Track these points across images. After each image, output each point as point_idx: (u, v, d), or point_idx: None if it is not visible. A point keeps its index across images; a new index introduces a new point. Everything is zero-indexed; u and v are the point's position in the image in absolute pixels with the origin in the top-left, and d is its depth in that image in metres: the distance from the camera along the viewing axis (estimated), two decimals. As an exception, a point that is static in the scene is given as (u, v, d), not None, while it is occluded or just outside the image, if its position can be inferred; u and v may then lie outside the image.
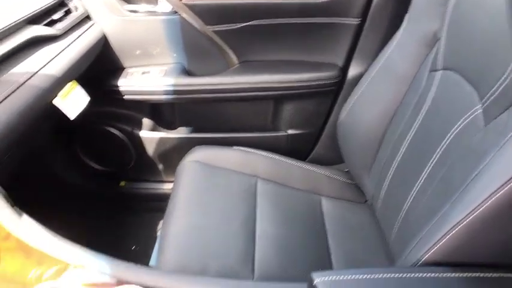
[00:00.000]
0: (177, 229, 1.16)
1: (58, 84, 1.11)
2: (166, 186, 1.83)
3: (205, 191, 1.30)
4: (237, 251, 1.11)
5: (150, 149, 1.70)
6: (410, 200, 1.03)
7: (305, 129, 1.61)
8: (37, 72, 1.04)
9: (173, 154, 1.67)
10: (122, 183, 1.86)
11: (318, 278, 0.70)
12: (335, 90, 1.51)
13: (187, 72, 1.53)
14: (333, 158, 1.59)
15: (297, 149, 1.62)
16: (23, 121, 0.95)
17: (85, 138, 1.73)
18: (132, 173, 1.83)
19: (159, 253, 1.10)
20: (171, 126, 1.67)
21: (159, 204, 1.75)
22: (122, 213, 1.79)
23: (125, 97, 1.51)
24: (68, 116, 1.17)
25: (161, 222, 1.22)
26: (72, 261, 0.79)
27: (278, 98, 1.53)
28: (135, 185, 1.85)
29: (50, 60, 1.09)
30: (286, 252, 1.16)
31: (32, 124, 1.00)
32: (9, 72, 0.99)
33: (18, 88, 0.97)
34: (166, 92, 1.49)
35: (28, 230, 0.81)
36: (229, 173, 1.37)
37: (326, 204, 1.35)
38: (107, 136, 1.66)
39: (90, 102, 1.32)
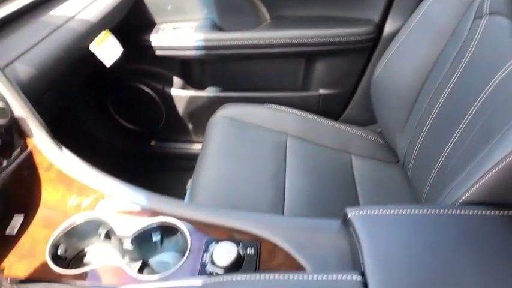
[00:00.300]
0: (208, 179, 1.18)
1: (93, 30, 1.12)
2: (196, 147, 1.85)
3: (235, 145, 1.30)
4: (267, 201, 1.12)
5: (180, 108, 1.71)
6: (446, 154, 1.00)
7: (337, 88, 1.58)
8: (74, 16, 1.05)
9: (203, 113, 1.68)
10: (153, 143, 1.90)
11: (352, 212, 0.69)
12: (370, 47, 1.46)
13: (218, 28, 1.52)
14: (365, 119, 1.56)
15: (328, 110, 1.59)
16: (61, 62, 0.97)
17: (117, 96, 1.75)
18: (163, 132, 1.85)
19: (190, 200, 1.12)
20: (201, 85, 1.68)
21: (189, 163, 1.77)
22: (153, 172, 1.82)
23: (157, 53, 1.52)
24: (104, 62, 1.19)
25: (191, 180, 1.23)
26: (108, 191, 0.81)
27: (310, 55, 1.50)
28: (165, 145, 1.88)
29: (86, 6, 1.10)
30: (315, 205, 1.15)
31: (68, 67, 1.02)
32: (48, 14, 1.00)
33: (57, 29, 0.98)
34: (197, 48, 1.48)
35: (68, 161, 0.83)
36: (259, 130, 1.36)
37: (356, 163, 1.33)
38: (138, 93, 1.68)
39: (122, 57, 1.33)
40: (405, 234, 0.64)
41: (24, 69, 0.88)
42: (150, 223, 0.78)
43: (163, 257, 0.84)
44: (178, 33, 1.48)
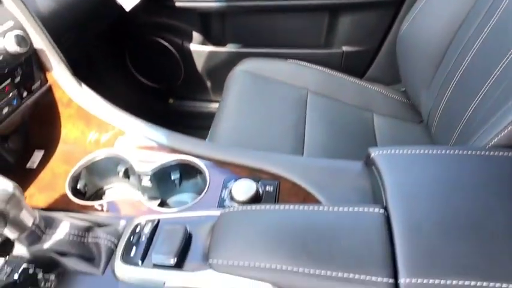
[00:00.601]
0: (226, 128, 1.16)
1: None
2: (213, 105, 1.83)
3: (254, 98, 1.28)
4: (286, 152, 1.10)
5: (199, 64, 1.69)
6: (472, 110, 0.96)
7: (362, 46, 1.52)
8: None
9: (222, 70, 1.64)
10: (171, 101, 1.88)
11: (376, 152, 0.67)
12: (398, 2, 1.39)
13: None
14: (389, 78, 1.51)
15: (351, 68, 1.54)
16: (82, 4, 0.95)
17: (135, 50, 1.73)
18: (181, 90, 1.84)
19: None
20: (220, 40, 1.64)
21: (207, 122, 1.76)
22: (170, 130, 1.82)
23: (176, 4, 1.48)
24: (124, 6, 1.16)
25: (210, 131, 1.22)
26: (127, 128, 0.81)
27: (334, 9, 1.44)
28: (183, 103, 1.87)
29: None
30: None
31: (89, 8, 1.00)
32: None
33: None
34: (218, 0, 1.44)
35: (87, 97, 0.82)
36: (279, 84, 1.33)
37: (378, 121, 1.30)
38: (156, 48, 1.66)
39: (141, 8, 1.30)
40: (431, 172, 0.61)
41: (45, 2, 0.87)
42: (169, 160, 0.77)
43: (181, 197, 0.84)
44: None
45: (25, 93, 0.74)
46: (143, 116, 0.85)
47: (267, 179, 0.72)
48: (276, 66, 1.39)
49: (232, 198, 0.68)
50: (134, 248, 0.59)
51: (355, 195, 0.67)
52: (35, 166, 0.81)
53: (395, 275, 0.49)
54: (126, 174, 0.82)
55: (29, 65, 0.75)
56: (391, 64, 1.41)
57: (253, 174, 0.73)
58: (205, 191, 0.72)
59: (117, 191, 0.85)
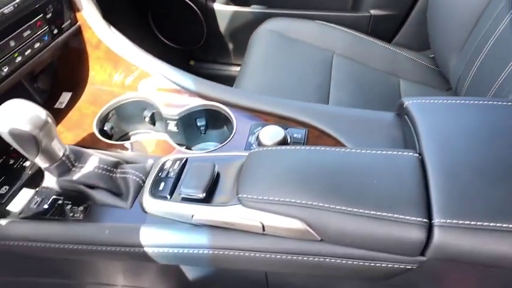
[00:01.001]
0: (250, 85, 1.15)
1: None
2: (235, 69, 1.81)
3: (279, 58, 1.26)
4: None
5: (222, 25, 1.66)
6: (503, 77, 0.93)
7: (391, 10, 1.47)
8: None
9: (245, 31, 1.61)
10: (191, 62, 1.87)
11: (409, 101, 0.65)
12: (431, -38, 1.33)
13: None
14: (418, 44, 1.46)
15: (379, 32, 1.49)
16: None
17: (158, 9, 1.71)
18: (202, 52, 1.82)
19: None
20: (245, 0, 1.60)
21: (228, 85, 1.75)
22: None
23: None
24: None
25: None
26: (155, 70, 0.80)
27: (364, -31, 1.40)
28: (204, 65, 1.85)
29: None
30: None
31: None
32: None
33: None
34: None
35: (116, 39, 0.82)
36: (305, 45, 1.31)
37: (405, 87, 1.27)
38: (179, 7, 1.63)
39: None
40: (466, 119, 0.59)
41: None
42: (196, 105, 0.77)
43: (206, 146, 0.84)
44: None
45: (56, 31, 0.74)
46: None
47: (295, 126, 0.71)
48: (301, 27, 1.36)
49: (259, 143, 0.68)
50: (162, 183, 0.59)
51: (386, 144, 0.66)
52: (63, 106, 0.82)
53: (429, 215, 0.48)
54: (152, 120, 0.82)
55: (60, 2, 0.74)
56: (421, 29, 1.37)
57: (281, 122, 0.72)
58: (232, 135, 0.71)
59: (142, 136, 0.85)
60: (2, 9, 0.62)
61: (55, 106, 0.82)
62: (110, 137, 0.80)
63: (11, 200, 0.64)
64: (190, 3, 1.62)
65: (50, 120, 0.55)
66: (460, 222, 0.46)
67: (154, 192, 0.59)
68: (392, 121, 0.69)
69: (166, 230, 0.56)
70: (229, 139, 0.71)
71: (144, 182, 0.63)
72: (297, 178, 0.52)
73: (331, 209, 0.49)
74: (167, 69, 0.80)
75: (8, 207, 0.62)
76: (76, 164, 0.62)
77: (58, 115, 0.79)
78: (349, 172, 0.53)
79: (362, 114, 0.72)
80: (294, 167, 0.54)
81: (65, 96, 0.83)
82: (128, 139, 0.86)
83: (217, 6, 1.61)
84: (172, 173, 0.60)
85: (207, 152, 0.69)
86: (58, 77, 0.86)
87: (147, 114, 0.81)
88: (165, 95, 0.79)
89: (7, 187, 0.66)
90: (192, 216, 0.55)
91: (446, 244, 0.47)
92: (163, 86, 0.80)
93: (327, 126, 0.70)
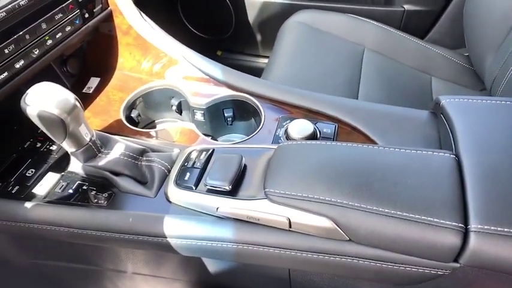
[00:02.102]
0: (278, 75, 1.13)
1: None
2: (262, 60, 1.79)
3: (308, 50, 1.23)
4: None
5: (251, 15, 1.64)
6: None
7: (426, 5, 1.42)
8: None
9: (274, 22, 1.59)
10: (219, 53, 1.86)
11: (446, 99, 0.62)
12: (472, -43, 1.27)
13: None
14: (453, 41, 1.40)
15: (412, 28, 1.44)
16: None
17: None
18: (230, 43, 1.80)
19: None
20: (276, -8, 1.58)
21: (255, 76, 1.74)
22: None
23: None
24: None
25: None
26: (181, 57, 0.79)
27: (400, -38, 1.35)
28: (231, 56, 1.84)
29: None
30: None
31: None
32: None
33: None
34: None
35: (146, 26, 0.81)
36: (335, 38, 1.27)
37: (436, 85, 1.22)
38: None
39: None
40: (507, 121, 0.56)
41: None
42: (223, 95, 0.75)
43: (232, 137, 0.82)
44: None
45: (87, 15, 0.74)
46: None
47: (324, 120, 0.69)
48: (332, 20, 1.32)
49: (288, 137, 0.66)
50: (188, 173, 0.58)
51: (419, 143, 0.63)
52: (91, 91, 0.82)
53: (465, 220, 0.45)
54: (179, 109, 0.81)
55: (91, -14, 0.74)
56: (456, 26, 1.32)
57: (311, 116, 0.70)
58: (260, 127, 0.70)
59: (169, 125, 0.85)
60: (35, -9, 0.62)
61: (83, 91, 0.82)
62: (136, 124, 0.80)
63: (37, 183, 0.64)
64: (221, -7, 1.60)
65: (78, 104, 0.55)
66: (499, 228, 0.44)
67: (180, 183, 0.58)
68: (427, 120, 0.66)
69: (190, 222, 0.55)
70: (256, 131, 0.69)
71: (169, 171, 0.62)
72: (327, 175, 0.50)
73: (362, 208, 0.47)
74: (196, 58, 0.79)
75: (34, 190, 0.63)
76: (102, 150, 0.62)
77: (86, 100, 0.79)
78: (382, 171, 0.50)
79: (395, 111, 0.69)
80: (324, 163, 0.52)
81: (93, 82, 0.83)
82: (154, 127, 0.85)
83: (247, -4, 1.59)
84: (198, 164, 0.59)
85: (233, 144, 0.67)
86: (87, 61, 0.86)
87: (174, 102, 0.80)
88: (193, 84, 0.77)
89: (33, 170, 0.66)
90: (217, 208, 0.54)
91: (482, 251, 0.44)
92: (191, 74, 0.78)
93: (358, 122, 0.67)
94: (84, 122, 0.58)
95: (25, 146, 0.70)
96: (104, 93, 0.80)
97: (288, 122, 0.69)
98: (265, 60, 1.80)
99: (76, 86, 0.83)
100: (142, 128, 0.83)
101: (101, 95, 0.80)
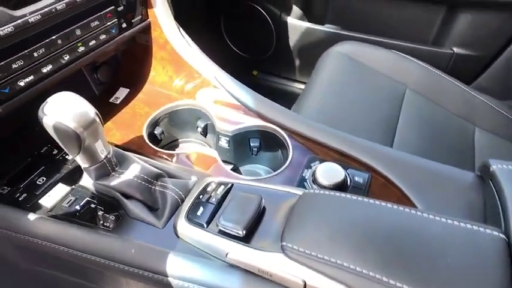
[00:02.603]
0: (312, 108, 1.08)
1: None
2: (298, 86, 1.75)
3: (347, 82, 1.18)
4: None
5: (292, 39, 1.61)
6: None
7: (477, 50, 1.34)
8: None
9: (315, 49, 1.55)
10: (255, 72, 1.83)
11: (497, 165, 0.55)
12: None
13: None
14: (502, 91, 1.32)
15: (460, 72, 1.37)
16: None
17: (231, 14, 1.69)
18: (267, 64, 1.78)
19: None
20: (320, 18, 1.54)
21: (289, 102, 1.69)
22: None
23: (283, -28, 1.41)
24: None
25: (294, 106, 1.14)
26: (215, 80, 0.76)
27: (454, 4, 1.28)
28: (267, 77, 1.80)
29: None
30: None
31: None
32: None
33: None
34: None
35: (183, 42, 0.78)
36: (377, 74, 1.22)
37: (480, 137, 1.14)
38: (252, 15, 1.60)
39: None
40: None
41: None
42: (252, 124, 0.71)
43: (255, 168, 0.78)
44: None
45: (124, 25, 0.72)
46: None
47: (357, 168, 0.63)
48: (376, 54, 1.27)
49: (314, 181, 0.60)
50: (201, 208, 0.54)
51: (461, 210, 0.56)
52: (117, 102, 0.79)
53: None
54: (205, 131, 0.78)
55: (133, -4, 0.72)
56: (507, 75, 1.24)
57: (342, 159, 0.65)
58: (285, 165, 0.65)
59: (192, 146, 0.81)
60: (74, -3, 0.60)
61: (110, 100, 0.80)
62: (158, 142, 0.77)
63: (45, 193, 0.61)
64: (264, 13, 1.59)
65: (97, 119, 0.52)
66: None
67: (191, 217, 0.53)
68: (472, 183, 0.59)
69: (196, 264, 0.50)
70: (281, 169, 0.64)
71: (182, 201, 0.58)
72: (354, 237, 0.45)
73: (390, 285, 0.41)
74: (229, 81, 0.75)
75: (41, 201, 0.60)
76: (116, 169, 0.58)
77: (111, 110, 0.77)
78: (417, 242, 0.44)
79: (436, 168, 0.62)
80: (352, 223, 0.46)
81: (122, 92, 0.81)
82: (177, 146, 0.82)
83: (291, 20, 1.56)
84: (213, 199, 0.54)
85: (255, 180, 0.62)
86: (118, 70, 0.84)
87: (201, 124, 0.77)
88: (222, 109, 0.74)
89: (44, 178, 0.63)
90: (227, 254, 0.49)
91: None
92: (221, 98, 0.75)
93: (393, 175, 0.61)
94: (101, 137, 0.54)
95: (41, 151, 0.68)
96: (130, 105, 0.77)
97: (316, 163, 0.64)
98: (301, 86, 1.76)
99: (104, 94, 0.81)
100: (165, 145, 0.80)
101: (127, 107, 0.77)
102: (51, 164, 0.66)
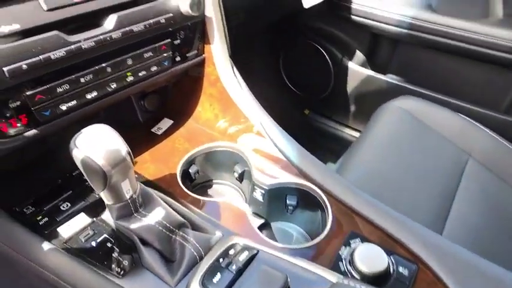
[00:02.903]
0: (362, 166, 1.00)
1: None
2: (350, 132, 1.67)
3: (405, 142, 1.09)
4: (425, 217, 0.90)
5: (351, 85, 1.55)
6: None
7: (556, 126, 1.21)
8: None
9: (373, 98, 1.49)
10: (307, 112, 1.78)
11: None
12: None
13: (432, 9, 1.28)
14: None
15: (532, 147, 1.24)
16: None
17: (290, 51, 1.67)
18: (321, 105, 1.73)
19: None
20: (383, 68, 1.47)
21: (338, 147, 1.63)
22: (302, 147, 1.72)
23: (352, 17, 1.36)
24: (303, 2, 1.08)
25: (340, 161, 1.07)
26: (261, 128, 0.71)
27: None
28: (318, 118, 1.75)
29: None
30: (479, 245, 0.88)
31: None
32: None
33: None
34: (399, 24, 1.28)
35: (235, 82, 0.75)
36: (438, 137, 1.12)
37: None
38: (313, 55, 1.57)
39: (314, 10, 1.20)
40: None
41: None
42: (291, 181, 0.65)
43: (287, 227, 0.71)
44: (387, 2, 1.30)
45: (178, 58, 0.70)
46: (272, 116, 0.75)
47: (403, 255, 0.55)
48: (440, 115, 1.17)
49: (352, 263, 0.53)
50: (219, 274, 0.48)
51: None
52: (159, 133, 0.77)
53: None
54: (241, 177, 0.73)
55: (192, 31, 0.70)
56: None
57: (388, 242, 0.57)
58: (322, 236, 0.58)
59: (225, 190, 0.77)
60: (131, 27, 0.59)
61: (152, 129, 0.78)
62: (191, 180, 0.73)
63: (66, 220, 0.59)
64: (325, 54, 1.55)
65: (128, 159, 0.49)
66: None
67: (206, 283, 0.48)
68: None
69: None
70: (317, 240, 0.57)
71: (201, 259, 0.53)
72: None
73: None
74: (275, 131, 0.71)
75: (59, 229, 0.57)
76: (140, 210, 0.54)
77: (151, 141, 0.74)
78: None
79: (500, 276, 0.53)
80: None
81: (166, 123, 0.78)
82: (210, 187, 0.78)
83: (352, 65, 1.51)
84: (234, 266, 0.49)
85: (284, 249, 0.56)
86: (166, 100, 0.82)
87: (238, 170, 0.72)
88: (262, 159, 0.69)
89: (69, 204, 0.61)
90: (238, 338, 0.43)
91: None
92: (263, 147, 0.70)
93: (446, 273, 0.52)
94: (129, 177, 0.51)
95: (73, 174, 0.66)
96: (171, 138, 0.75)
97: (357, 241, 0.56)
98: (353, 133, 1.68)
99: (147, 122, 0.79)
100: (198, 184, 0.76)
101: (167, 139, 0.75)
102: (79, 190, 0.64)
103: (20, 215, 0.60)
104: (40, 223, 0.58)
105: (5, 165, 0.61)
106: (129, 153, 0.49)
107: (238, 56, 0.81)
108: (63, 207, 0.61)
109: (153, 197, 0.57)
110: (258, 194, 0.67)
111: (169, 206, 0.57)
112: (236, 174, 0.73)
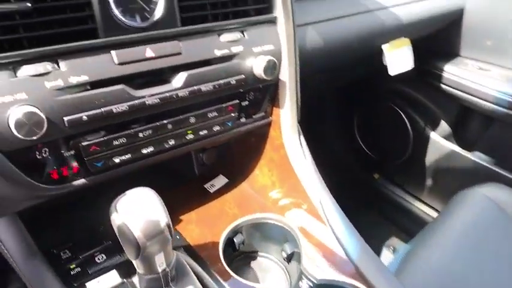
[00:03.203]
0: (434, 262, 0.87)
1: (389, 32, 0.95)
2: (420, 207, 1.52)
3: (489, 240, 0.95)
4: None
5: (430, 156, 1.41)
6: None
7: None
8: (386, 8, 0.90)
9: (455, 177, 1.34)
10: (376, 176, 1.66)
11: None
12: None
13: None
14: None
15: None
16: (350, 45, 0.85)
17: (366, 113, 1.59)
18: (393, 172, 1.60)
19: (399, 271, 0.84)
20: (470, 144, 1.33)
21: (407, 223, 1.49)
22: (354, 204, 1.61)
23: (442, 87, 1.25)
24: (388, 69, 1.01)
25: (409, 244, 0.95)
26: (318, 205, 0.64)
27: None
28: (388, 185, 1.61)
29: (400, 5, 0.94)
30: None
31: (348, 55, 0.89)
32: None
33: (364, 13, 0.85)
34: (496, 101, 1.15)
35: (299, 151, 0.69)
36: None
37: None
38: (392, 119, 1.46)
39: (402, 77, 1.12)
40: None
41: (316, 38, 0.78)
42: (346, 281, 0.57)
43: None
44: (484, 75, 1.18)
45: (243, 119, 0.66)
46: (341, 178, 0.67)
47: None
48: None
49: None
50: None
51: None
52: (211, 190, 0.73)
53: None
54: (289, 258, 0.66)
55: (263, 93, 0.66)
56: None
57: None
58: None
59: (269, 266, 0.70)
60: (200, 86, 0.56)
61: (205, 185, 0.74)
62: (234, 248, 0.67)
63: (97, 275, 0.56)
64: (406, 120, 1.44)
65: (166, 232, 0.45)
66: None
67: None
68: None
69: None
70: None
71: None
72: None
73: None
74: (335, 215, 0.63)
75: (88, 284, 0.55)
76: (170, 285, 0.50)
77: (201, 198, 0.71)
78: None
79: None
80: None
81: (220, 181, 0.75)
82: (254, 259, 0.71)
83: (435, 136, 1.39)
84: None
85: None
86: (224, 155, 0.78)
87: (287, 250, 0.65)
88: (315, 246, 0.61)
89: (104, 257, 0.59)
90: None
91: None
92: (319, 233, 0.63)
93: None
94: (165, 250, 0.47)
95: (118, 223, 0.64)
96: (221, 200, 0.70)
97: None
98: (424, 208, 1.52)
99: (202, 176, 0.75)
100: (242, 253, 0.70)
101: (217, 200, 0.70)
102: (119, 242, 0.61)
103: (56, 258, 0.58)
104: (72, 273, 0.56)
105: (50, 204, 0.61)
106: (168, 226, 0.46)
107: (307, 116, 0.76)
108: (98, 259, 0.58)
109: (187, 272, 0.52)
110: (305, 286, 0.60)
111: (204, 286, 0.52)
112: (285, 254, 0.66)
